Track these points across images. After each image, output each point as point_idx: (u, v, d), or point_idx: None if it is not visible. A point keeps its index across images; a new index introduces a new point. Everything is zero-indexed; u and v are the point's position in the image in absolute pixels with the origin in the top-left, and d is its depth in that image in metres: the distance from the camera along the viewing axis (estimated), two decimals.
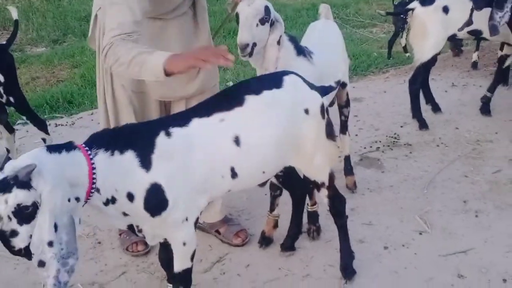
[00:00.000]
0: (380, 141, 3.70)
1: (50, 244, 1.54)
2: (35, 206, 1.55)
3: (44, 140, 3.43)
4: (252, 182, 2.13)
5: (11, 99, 3.18)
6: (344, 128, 3.11)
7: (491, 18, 3.25)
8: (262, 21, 2.24)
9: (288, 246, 2.68)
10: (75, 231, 1.60)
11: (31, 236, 1.56)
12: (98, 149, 1.74)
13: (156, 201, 1.81)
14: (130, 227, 1.93)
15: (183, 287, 2.08)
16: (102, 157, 1.73)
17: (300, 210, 2.66)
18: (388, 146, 3.64)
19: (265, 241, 2.74)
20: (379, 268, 2.55)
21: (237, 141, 1.94)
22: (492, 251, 2.62)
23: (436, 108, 4.05)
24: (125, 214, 1.83)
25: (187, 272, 2.05)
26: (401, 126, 3.90)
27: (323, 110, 2.15)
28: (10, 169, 1.55)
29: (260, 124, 1.98)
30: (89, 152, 1.72)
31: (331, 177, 2.29)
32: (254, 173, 2.05)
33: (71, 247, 1.59)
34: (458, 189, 3.13)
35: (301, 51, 2.46)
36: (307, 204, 2.77)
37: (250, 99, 1.99)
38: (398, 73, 4.98)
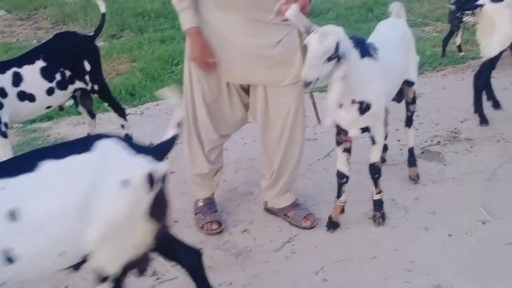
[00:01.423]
0: (440, 136, 3.78)
1: None
2: None
3: (122, 126, 3.66)
4: (46, 267, 1.72)
5: (95, 87, 3.40)
6: (409, 122, 3.23)
7: None
8: (330, 59, 2.22)
9: None
10: None
11: None
12: None
13: None
14: None
15: None
16: None
17: (201, 278, 2.13)
18: (449, 140, 3.72)
19: (333, 225, 2.87)
20: (444, 253, 2.65)
21: (13, 215, 1.58)
22: None
23: (496, 105, 4.10)
24: None
25: None
26: (461, 122, 3.97)
27: (152, 181, 1.75)
28: None
29: (53, 193, 1.64)
30: None
31: (124, 269, 1.83)
32: (46, 254, 1.67)
33: None
34: None
35: (365, 52, 2.46)
36: (372, 192, 2.89)
37: (46, 165, 1.66)
38: (455, 71, 5.04)
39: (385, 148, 3.33)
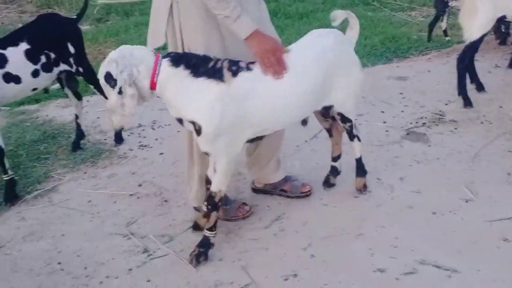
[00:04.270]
0: (425, 117, 3.84)
1: None
2: None
3: None
4: None
5: (80, 69, 3.41)
6: (350, 137, 2.90)
7: None
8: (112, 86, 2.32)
9: None
10: None
11: None
12: None
13: None
14: None
15: None
16: None
17: None
18: (434, 122, 3.78)
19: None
20: (429, 230, 2.72)
21: None
22: None
23: (480, 88, 4.17)
24: None
25: None
26: (446, 104, 4.03)
27: None
28: None
29: None
30: None
31: None
32: None
33: None
34: (502, 162, 3.27)
35: (205, 72, 2.33)
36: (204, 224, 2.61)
37: None
38: (440, 55, 5.09)
39: (336, 172, 3.09)
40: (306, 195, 3.00)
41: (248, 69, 2.39)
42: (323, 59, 2.54)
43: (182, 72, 2.32)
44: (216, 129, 2.34)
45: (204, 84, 2.32)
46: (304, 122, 2.90)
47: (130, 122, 2.43)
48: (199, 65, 2.34)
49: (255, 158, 2.97)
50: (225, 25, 2.40)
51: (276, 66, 2.39)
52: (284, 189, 3.04)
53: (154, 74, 2.31)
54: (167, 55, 2.38)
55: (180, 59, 2.35)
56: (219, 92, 2.32)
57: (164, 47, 2.68)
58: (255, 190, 3.12)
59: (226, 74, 2.34)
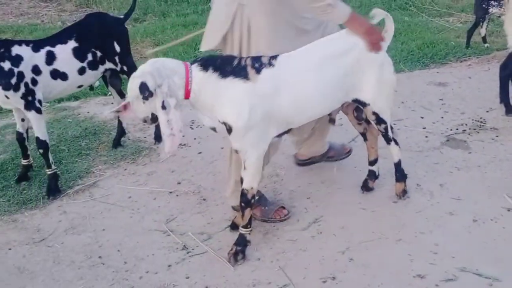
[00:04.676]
0: (466, 124, 3.79)
1: None
2: None
3: None
4: None
5: (125, 68, 3.47)
6: (386, 140, 2.88)
7: None
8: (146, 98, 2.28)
9: None
10: None
11: None
12: None
13: None
14: None
15: None
16: None
17: None
18: (474, 129, 3.72)
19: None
20: (469, 238, 2.68)
21: None
22: None
23: None
24: None
25: None
26: (487, 111, 3.96)
27: None
28: None
29: None
30: None
31: None
32: None
33: None
34: None
35: (231, 72, 2.37)
36: (240, 224, 2.64)
37: None
38: (480, 61, 5.00)
39: (374, 176, 3.08)
40: (349, 154, 3.39)
41: (270, 64, 2.42)
42: (350, 53, 2.57)
43: (211, 75, 2.36)
44: (245, 126, 2.38)
45: (232, 84, 2.36)
46: (332, 120, 3.02)
47: (180, 140, 2.37)
48: (225, 65, 2.38)
49: (309, 138, 3.16)
50: (321, 16, 2.51)
51: (380, 42, 2.58)
52: (330, 156, 3.33)
53: (188, 83, 2.34)
54: (194, 61, 2.41)
55: (207, 63, 2.38)
56: (245, 90, 2.36)
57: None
58: (299, 164, 3.34)
59: (250, 72, 2.38)
